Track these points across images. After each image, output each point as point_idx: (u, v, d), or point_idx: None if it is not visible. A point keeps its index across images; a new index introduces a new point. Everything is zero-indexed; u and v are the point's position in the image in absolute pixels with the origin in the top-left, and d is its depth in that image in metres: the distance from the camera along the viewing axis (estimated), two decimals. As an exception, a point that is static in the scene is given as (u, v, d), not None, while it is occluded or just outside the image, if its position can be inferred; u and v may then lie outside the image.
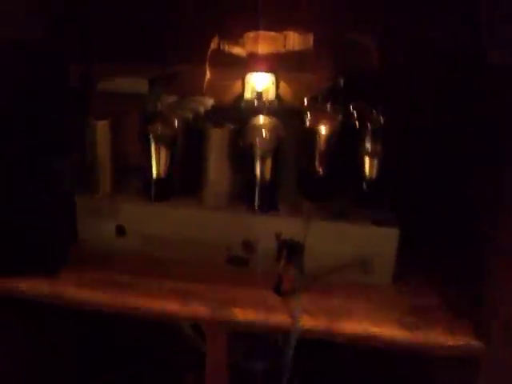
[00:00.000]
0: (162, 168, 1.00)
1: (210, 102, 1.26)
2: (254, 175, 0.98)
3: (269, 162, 0.97)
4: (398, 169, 1.05)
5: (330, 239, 0.97)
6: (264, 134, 0.96)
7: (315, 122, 1.03)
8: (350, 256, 0.97)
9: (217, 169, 0.99)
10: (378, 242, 0.96)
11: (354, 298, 0.95)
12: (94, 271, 0.98)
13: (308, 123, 1.02)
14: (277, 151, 0.97)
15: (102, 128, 0.99)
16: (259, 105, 1.24)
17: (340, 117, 1.05)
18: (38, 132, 1.02)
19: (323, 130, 1.02)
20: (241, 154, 0.98)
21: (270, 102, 1.27)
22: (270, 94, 1.27)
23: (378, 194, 1.04)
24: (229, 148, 0.98)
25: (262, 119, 0.97)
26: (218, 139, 0.97)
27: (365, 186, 1.04)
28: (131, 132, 1.02)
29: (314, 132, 1.03)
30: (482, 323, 0.85)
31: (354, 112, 1.07)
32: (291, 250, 0.97)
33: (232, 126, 0.98)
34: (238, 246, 0.99)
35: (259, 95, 1.26)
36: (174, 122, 0.99)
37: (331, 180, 1.05)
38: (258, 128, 0.96)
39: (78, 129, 1.00)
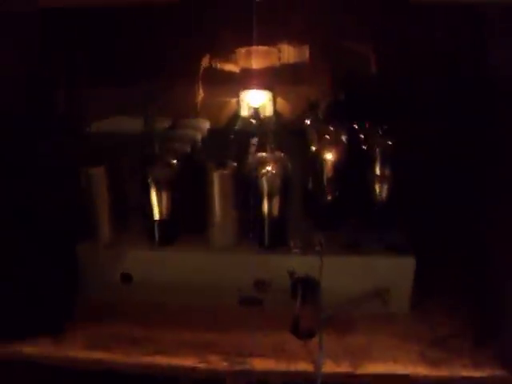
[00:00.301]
0: (164, 210, 0.96)
1: (205, 124, 1.21)
2: (262, 212, 0.94)
3: (277, 198, 0.93)
4: (407, 190, 1.01)
5: (345, 273, 0.94)
6: (270, 172, 0.91)
7: (321, 149, 0.99)
8: (367, 288, 0.94)
9: (222, 209, 0.94)
10: (395, 272, 0.93)
11: (374, 332, 0.92)
12: (101, 325, 0.93)
13: (314, 150, 0.98)
14: (284, 186, 0.93)
15: (97, 175, 0.94)
16: (257, 124, 1.18)
17: (345, 141, 1.01)
18: (32, 184, 0.96)
19: (330, 156, 0.98)
20: (246, 191, 0.94)
21: (268, 119, 1.21)
22: (267, 110, 1.22)
23: (389, 217, 1.00)
24: (233, 187, 0.94)
25: (266, 154, 0.92)
26: (221, 180, 0.92)
27: (375, 210, 1.00)
28: (129, 175, 0.97)
29: (320, 159, 0.99)
30: (505, 351, 0.83)
31: (361, 134, 1.02)
32: (306, 288, 0.94)
33: (235, 164, 0.93)
34: (250, 287, 0.95)
35: (256, 112, 1.21)
36: (172, 163, 0.94)
37: (340, 206, 1.01)
38: (263, 164, 0.91)
39: (74, 176, 0.94)
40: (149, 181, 0.93)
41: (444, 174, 1.07)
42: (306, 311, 0.91)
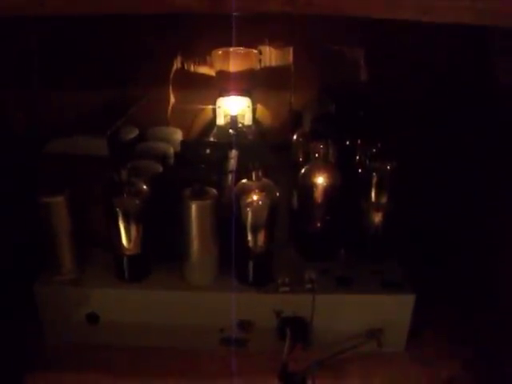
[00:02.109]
0: (134, 243, 0.84)
1: (177, 134, 1.09)
2: (245, 246, 0.83)
3: (262, 231, 0.83)
4: (403, 218, 0.92)
5: (337, 312, 0.85)
6: (256, 202, 0.80)
7: (309, 171, 0.89)
8: (362, 328, 0.86)
9: (200, 242, 0.83)
10: (392, 310, 0.85)
11: (370, 375, 0.84)
12: (64, 374, 0.83)
13: (304, 176, 0.88)
14: (271, 216, 0.82)
15: (56, 205, 0.82)
16: (235, 133, 1.07)
17: (335, 160, 0.91)
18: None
19: (319, 179, 0.88)
20: (228, 222, 0.83)
21: (247, 128, 1.10)
22: (246, 118, 1.11)
23: (385, 248, 0.91)
24: (213, 218, 0.83)
25: (251, 183, 0.81)
26: (200, 211, 0.81)
27: (369, 240, 0.91)
28: (93, 203, 0.85)
29: (308, 182, 0.88)
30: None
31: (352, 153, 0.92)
32: (295, 329, 0.84)
33: (214, 191, 0.82)
34: (233, 327, 0.85)
35: (234, 121, 1.09)
36: (142, 189, 0.83)
37: (331, 236, 0.92)
38: (248, 195, 0.80)
39: (30, 205, 0.82)
40: (116, 210, 0.81)
41: (443, 199, 0.98)
42: (295, 353, 0.82)
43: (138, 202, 0.82)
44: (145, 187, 0.83)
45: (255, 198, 0.81)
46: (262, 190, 0.81)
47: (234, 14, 0.85)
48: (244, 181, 0.82)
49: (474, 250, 0.91)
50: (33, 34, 1.01)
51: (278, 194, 0.82)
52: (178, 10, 0.55)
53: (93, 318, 0.86)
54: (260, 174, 0.81)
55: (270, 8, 0.55)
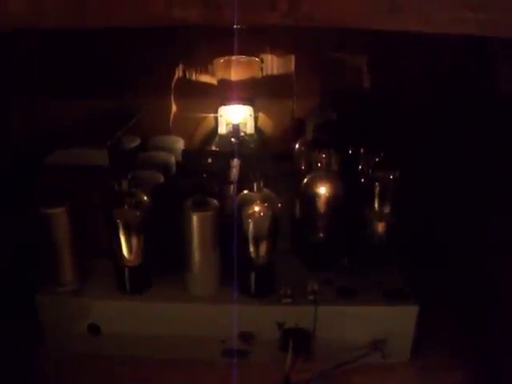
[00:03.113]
0: (135, 254, 0.84)
1: (179, 143, 1.09)
2: (247, 257, 0.83)
3: (264, 242, 0.82)
4: (407, 228, 0.91)
5: (340, 324, 0.84)
6: (257, 213, 0.80)
7: (312, 181, 0.88)
8: (365, 339, 0.85)
9: (202, 253, 0.83)
10: (396, 321, 0.84)
11: (373, 389, 0.83)
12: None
13: (306, 185, 0.87)
14: (273, 228, 0.81)
15: (57, 217, 0.81)
16: (237, 142, 1.06)
17: (338, 170, 0.91)
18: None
19: (322, 189, 0.87)
20: (229, 233, 0.82)
21: (249, 136, 1.09)
22: (248, 127, 1.10)
23: (388, 258, 0.91)
24: (214, 229, 0.82)
25: (253, 194, 0.81)
26: (201, 223, 0.81)
27: (372, 250, 0.91)
28: (94, 215, 0.84)
29: (310, 192, 0.88)
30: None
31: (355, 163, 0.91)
32: (297, 340, 0.84)
33: (216, 202, 0.82)
34: (234, 339, 0.84)
35: (235, 129, 1.09)
36: (143, 200, 0.82)
37: (333, 245, 0.91)
38: (250, 206, 0.80)
39: (31, 216, 0.81)
40: (116, 221, 0.81)
41: (447, 209, 0.97)
42: (298, 365, 0.82)
43: (138, 213, 0.82)
44: (145, 198, 0.83)
45: (257, 209, 0.80)
46: (263, 201, 0.80)
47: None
48: (245, 192, 0.82)
49: (476, 259, 0.90)
50: (33, 43, 1.00)
51: (279, 205, 0.81)
52: (176, 23, 0.55)
53: (94, 329, 0.85)
54: (261, 184, 0.80)
55: (270, 21, 0.54)
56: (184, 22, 0.55)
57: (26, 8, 0.56)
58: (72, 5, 0.56)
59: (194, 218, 0.79)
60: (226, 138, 1.09)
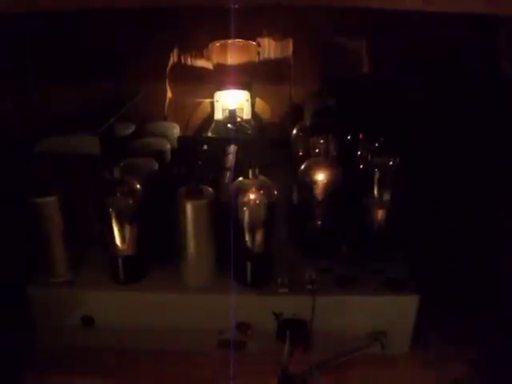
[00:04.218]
0: (129, 244, 0.82)
1: (174, 129, 1.06)
2: (243, 246, 0.81)
3: (260, 230, 0.80)
4: (407, 215, 0.88)
5: (339, 313, 0.82)
6: (253, 201, 0.77)
7: (310, 167, 0.86)
8: (363, 330, 0.83)
9: (197, 242, 0.81)
10: (396, 310, 0.82)
11: (372, 380, 0.82)
12: (60, 378, 0.80)
13: (304, 172, 0.85)
14: (269, 216, 0.79)
15: (48, 206, 0.79)
16: (234, 128, 1.04)
17: (336, 155, 0.88)
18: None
19: (320, 176, 0.85)
20: (225, 222, 0.80)
21: (246, 122, 1.07)
22: (245, 112, 1.08)
23: (388, 246, 0.88)
24: (209, 217, 0.80)
25: (248, 181, 0.78)
26: (196, 211, 0.78)
27: (372, 238, 0.88)
28: (86, 204, 0.82)
29: (308, 178, 0.85)
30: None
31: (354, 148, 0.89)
32: (295, 331, 0.82)
33: (210, 190, 0.79)
34: (231, 330, 0.83)
35: (232, 115, 1.06)
36: (136, 188, 0.80)
37: (332, 233, 0.89)
38: (245, 193, 0.78)
39: (21, 205, 0.79)
40: (109, 210, 0.79)
41: (449, 196, 0.95)
42: (296, 356, 0.80)
43: (131, 201, 0.80)
44: (138, 186, 0.80)
45: (252, 196, 0.78)
46: (259, 188, 0.78)
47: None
48: (240, 179, 0.79)
49: (478, 249, 0.88)
50: (25, 29, 0.98)
51: (275, 192, 0.79)
52: (166, 3, 0.52)
53: (88, 321, 0.84)
54: (257, 171, 0.78)
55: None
56: (173, 2, 0.52)
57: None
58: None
59: (189, 207, 0.77)
60: (222, 123, 1.06)
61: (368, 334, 0.83)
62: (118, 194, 0.79)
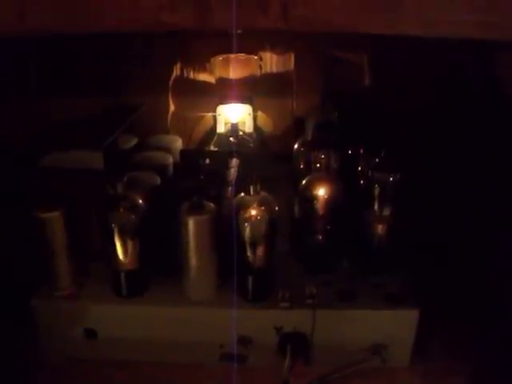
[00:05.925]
0: (131, 259, 0.83)
1: (178, 142, 1.07)
2: (245, 261, 0.81)
3: (261, 245, 0.81)
4: (407, 230, 0.89)
5: (339, 328, 0.83)
6: (254, 217, 0.78)
7: (311, 182, 0.86)
8: (364, 344, 0.83)
9: (199, 258, 0.82)
10: (396, 325, 0.83)
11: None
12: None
13: (305, 187, 0.86)
14: (270, 231, 0.80)
15: (52, 221, 0.80)
16: (236, 142, 1.05)
17: (338, 170, 0.89)
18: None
19: (321, 191, 0.85)
20: (226, 237, 0.81)
21: (248, 136, 1.08)
22: (247, 125, 1.09)
23: (388, 261, 0.89)
24: (211, 233, 0.81)
25: (249, 197, 0.79)
26: (197, 226, 0.79)
27: (372, 253, 0.89)
28: (89, 219, 0.83)
29: (310, 193, 0.86)
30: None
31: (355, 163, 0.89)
32: (296, 345, 0.83)
33: (212, 205, 0.80)
34: (233, 344, 0.83)
35: (234, 128, 1.07)
36: (138, 204, 0.81)
37: (333, 248, 0.89)
38: (246, 210, 0.78)
39: (25, 220, 0.80)
40: (111, 225, 0.79)
41: (448, 211, 0.95)
42: (296, 370, 0.81)
43: (134, 216, 0.81)
44: (141, 201, 0.81)
45: (253, 212, 0.79)
46: (260, 204, 0.79)
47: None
48: (242, 195, 0.80)
49: (478, 263, 0.89)
50: (28, 43, 0.99)
51: (276, 208, 0.80)
52: (165, 27, 0.53)
53: (90, 334, 0.84)
54: (258, 187, 0.79)
55: (262, 25, 0.53)
56: (174, 27, 0.53)
57: (12, 14, 0.54)
58: (59, 10, 0.54)
59: (191, 223, 0.78)
60: (224, 137, 1.07)
61: (368, 347, 0.83)
62: (121, 210, 0.80)
